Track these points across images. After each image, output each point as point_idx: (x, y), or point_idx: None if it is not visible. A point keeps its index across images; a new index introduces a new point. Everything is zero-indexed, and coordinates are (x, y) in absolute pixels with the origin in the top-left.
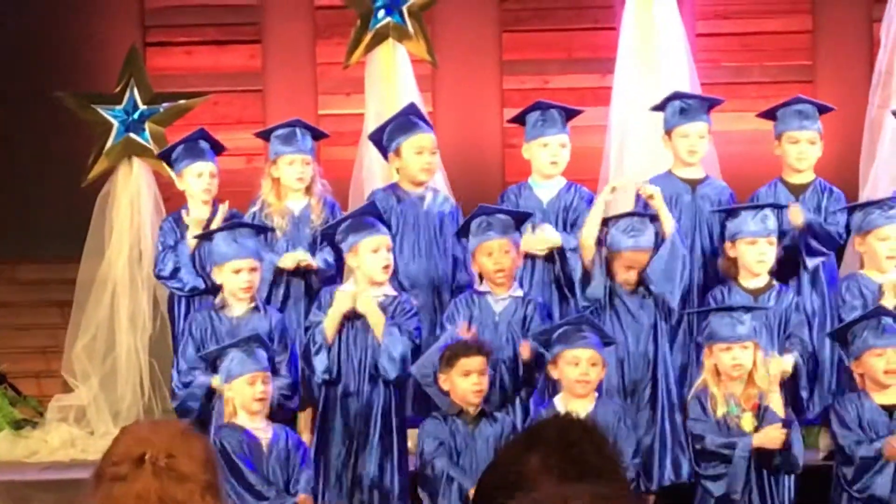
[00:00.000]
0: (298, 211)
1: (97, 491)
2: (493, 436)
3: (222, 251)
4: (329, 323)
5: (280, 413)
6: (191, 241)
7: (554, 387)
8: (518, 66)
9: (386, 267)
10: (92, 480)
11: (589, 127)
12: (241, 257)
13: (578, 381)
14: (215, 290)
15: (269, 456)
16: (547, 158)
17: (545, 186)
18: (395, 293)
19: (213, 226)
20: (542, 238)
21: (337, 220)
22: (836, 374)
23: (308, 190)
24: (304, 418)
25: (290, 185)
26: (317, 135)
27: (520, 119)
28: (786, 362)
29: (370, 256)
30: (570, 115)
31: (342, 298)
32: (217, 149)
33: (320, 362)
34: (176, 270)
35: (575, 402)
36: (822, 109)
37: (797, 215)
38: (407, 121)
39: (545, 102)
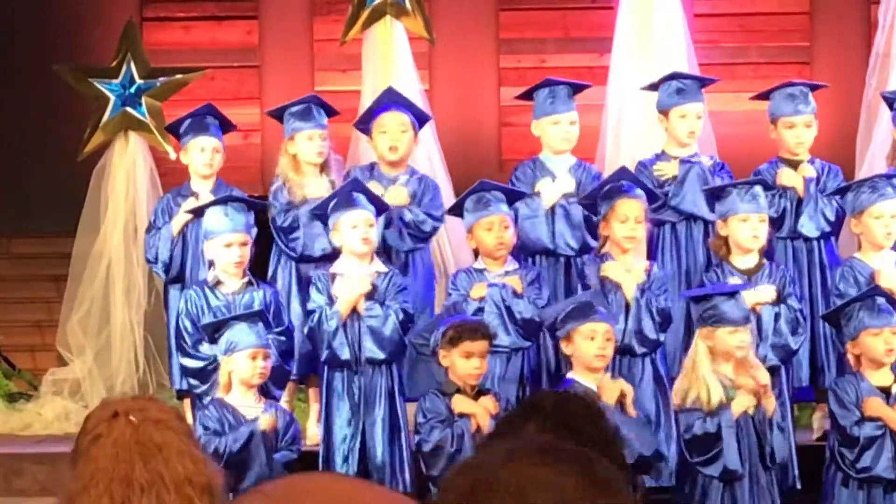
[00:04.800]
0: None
1: (77, 463)
2: None
3: (213, 225)
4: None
5: (280, 378)
6: (175, 223)
7: (567, 366)
8: (515, 44)
9: (364, 240)
10: (70, 456)
11: (586, 106)
12: (232, 231)
13: (597, 354)
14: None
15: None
16: (559, 135)
17: (557, 162)
18: (385, 269)
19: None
20: (556, 188)
21: (323, 201)
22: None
23: (323, 166)
24: (291, 390)
25: (310, 159)
26: (330, 112)
27: (527, 96)
28: (762, 375)
29: (349, 232)
30: (576, 89)
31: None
32: (225, 126)
33: (340, 344)
34: (155, 257)
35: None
36: (815, 88)
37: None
38: (377, 104)
39: (554, 80)
